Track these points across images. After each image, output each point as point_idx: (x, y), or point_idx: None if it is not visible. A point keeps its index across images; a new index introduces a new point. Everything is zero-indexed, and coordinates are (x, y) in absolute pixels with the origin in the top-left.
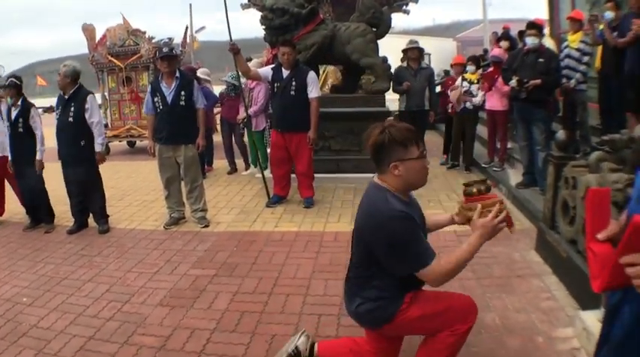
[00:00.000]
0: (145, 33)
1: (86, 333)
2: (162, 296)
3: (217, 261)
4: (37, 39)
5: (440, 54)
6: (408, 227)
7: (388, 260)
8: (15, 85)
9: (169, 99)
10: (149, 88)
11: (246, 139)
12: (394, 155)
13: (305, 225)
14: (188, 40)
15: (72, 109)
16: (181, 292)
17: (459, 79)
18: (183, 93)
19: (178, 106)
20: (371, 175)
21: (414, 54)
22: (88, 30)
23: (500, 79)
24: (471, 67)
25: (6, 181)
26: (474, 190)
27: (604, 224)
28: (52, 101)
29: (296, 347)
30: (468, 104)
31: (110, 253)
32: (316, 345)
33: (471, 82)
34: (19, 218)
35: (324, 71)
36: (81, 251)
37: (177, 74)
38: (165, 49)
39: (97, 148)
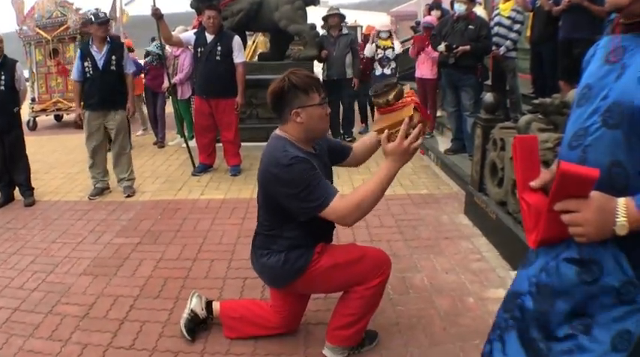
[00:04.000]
0: (72, 4)
1: (12, 305)
2: (86, 265)
3: (141, 229)
4: None
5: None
6: (304, 170)
7: (291, 206)
8: None
9: (100, 64)
10: (79, 53)
11: (170, 108)
12: (295, 102)
13: (231, 193)
14: (118, 14)
15: (2, 78)
16: (105, 261)
17: (373, 47)
18: (114, 57)
19: (109, 71)
20: None
21: (333, 21)
22: (17, 3)
23: (430, 46)
24: (384, 34)
25: None
26: (381, 101)
27: (535, 173)
28: None
29: (191, 310)
30: (385, 70)
31: (35, 225)
32: (216, 303)
33: (385, 49)
34: None
35: (253, 42)
36: (7, 225)
37: (108, 39)
38: (101, 15)
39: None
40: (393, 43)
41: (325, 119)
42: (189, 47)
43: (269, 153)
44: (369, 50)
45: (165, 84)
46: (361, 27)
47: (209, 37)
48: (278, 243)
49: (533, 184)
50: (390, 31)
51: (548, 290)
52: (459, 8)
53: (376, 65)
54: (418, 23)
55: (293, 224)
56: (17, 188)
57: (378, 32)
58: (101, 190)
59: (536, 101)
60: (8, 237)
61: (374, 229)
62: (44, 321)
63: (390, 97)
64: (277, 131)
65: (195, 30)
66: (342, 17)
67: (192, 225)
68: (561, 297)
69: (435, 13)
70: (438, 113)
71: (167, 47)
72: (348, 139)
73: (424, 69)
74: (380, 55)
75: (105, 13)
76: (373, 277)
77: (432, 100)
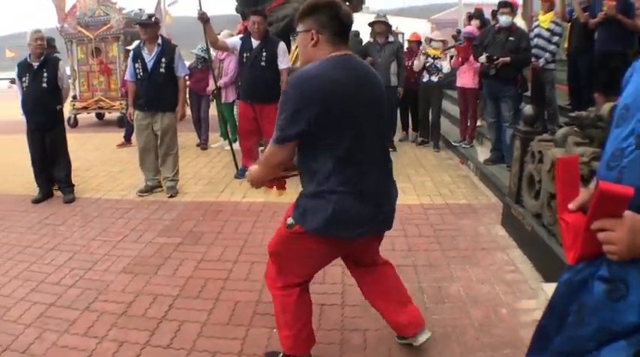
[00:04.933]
0: (115, 4)
1: (47, 300)
2: (126, 263)
3: (183, 230)
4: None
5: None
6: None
7: None
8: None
9: (150, 65)
10: (131, 54)
11: (214, 111)
12: None
13: (272, 196)
14: (162, 14)
15: (45, 75)
16: (145, 260)
17: (421, 54)
18: (164, 60)
19: (158, 73)
20: None
21: (379, 28)
22: (57, 0)
23: (471, 56)
24: (435, 43)
25: None
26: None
27: (574, 193)
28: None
29: None
30: (433, 77)
31: (75, 222)
32: None
33: (434, 58)
34: None
35: (296, 47)
36: (45, 220)
37: (159, 41)
38: (144, 17)
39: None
40: (442, 54)
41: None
42: (235, 52)
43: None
44: (417, 66)
45: (210, 87)
46: (402, 34)
47: (254, 43)
48: None
49: (571, 206)
50: (442, 41)
51: (582, 306)
52: (505, 20)
53: (424, 72)
54: (459, 32)
55: None
56: (57, 185)
57: (430, 40)
58: (151, 188)
59: (572, 114)
60: (46, 232)
61: (412, 238)
62: (80, 317)
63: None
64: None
65: (240, 35)
66: (388, 25)
67: (234, 227)
68: (591, 313)
69: (475, 23)
70: (478, 123)
71: (212, 51)
72: (390, 146)
73: (466, 79)
74: (429, 63)
75: (150, 15)
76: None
77: (472, 109)
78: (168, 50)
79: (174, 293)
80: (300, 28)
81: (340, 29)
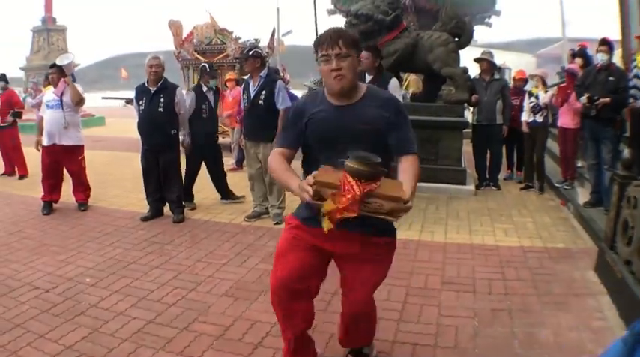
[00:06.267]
0: (231, 33)
1: (146, 316)
2: (228, 287)
3: None
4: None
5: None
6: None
7: None
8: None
9: (252, 96)
10: (243, 85)
11: None
12: None
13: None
14: (275, 44)
15: (161, 100)
16: (247, 285)
17: (526, 95)
18: (264, 92)
19: (257, 105)
20: (446, 185)
21: (484, 65)
22: (175, 26)
23: (573, 95)
24: (534, 80)
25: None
26: (362, 168)
27: None
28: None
29: None
30: (537, 117)
31: (182, 242)
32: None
33: (537, 97)
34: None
35: (405, 79)
36: (152, 238)
37: (263, 73)
38: (246, 50)
39: (182, 138)
40: (542, 89)
41: (327, 74)
42: None
43: None
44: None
45: None
46: (509, 69)
47: (367, 78)
48: None
49: None
50: (540, 76)
51: None
52: (602, 58)
53: (529, 113)
54: (563, 68)
55: None
56: (168, 205)
57: (526, 81)
58: (258, 214)
59: None
60: (152, 250)
61: (510, 281)
62: (177, 336)
63: (366, 172)
64: None
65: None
66: (493, 64)
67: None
68: None
69: (578, 61)
70: (579, 164)
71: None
72: (494, 186)
73: (566, 118)
74: (532, 103)
75: (252, 49)
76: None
77: (571, 150)
78: (268, 82)
79: (273, 320)
80: None
81: None
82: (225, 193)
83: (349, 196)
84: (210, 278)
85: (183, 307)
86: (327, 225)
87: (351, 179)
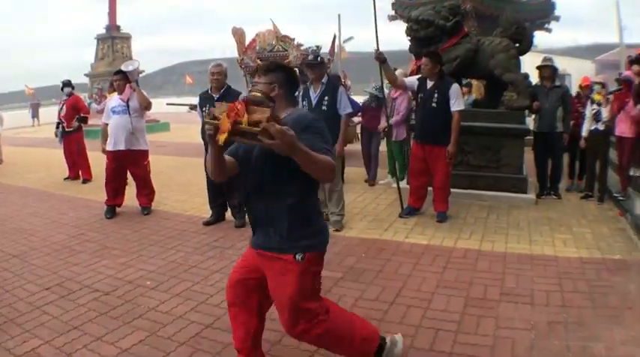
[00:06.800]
0: (293, 40)
1: (205, 321)
2: None
3: (345, 265)
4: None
5: (579, 75)
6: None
7: None
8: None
9: (314, 103)
10: (300, 92)
11: (383, 148)
12: None
13: (435, 239)
14: (336, 50)
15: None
16: None
17: (588, 103)
18: (326, 98)
19: (320, 111)
20: (507, 193)
21: (545, 72)
22: (238, 33)
23: (630, 103)
24: (597, 86)
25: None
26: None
27: None
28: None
29: None
30: (599, 126)
31: (243, 246)
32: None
33: (599, 104)
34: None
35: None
36: (214, 242)
37: (324, 80)
38: (310, 57)
39: None
40: (604, 99)
41: None
42: (410, 91)
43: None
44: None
45: (382, 124)
46: (570, 76)
47: (429, 84)
48: None
49: None
50: (601, 84)
51: None
52: None
53: (591, 121)
54: (621, 75)
55: None
56: (230, 210)
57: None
58: None
59: None
60: (213, 255)
61: (567, 293)
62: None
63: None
64: None
65: (418, 76)
66: (555, 69)
67: (394, 267)
68: None
69: (635, 68)
70: (633, 172)
71: (385, 89)
72: (554, 194)
73: (623, 127)
74: (595, 110)
75: (317, 54)
76: None
77: (626, 159)
78: (330, 88)
79: None
80: None
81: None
82: None
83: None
84: None
85: None
86: (221, 138)
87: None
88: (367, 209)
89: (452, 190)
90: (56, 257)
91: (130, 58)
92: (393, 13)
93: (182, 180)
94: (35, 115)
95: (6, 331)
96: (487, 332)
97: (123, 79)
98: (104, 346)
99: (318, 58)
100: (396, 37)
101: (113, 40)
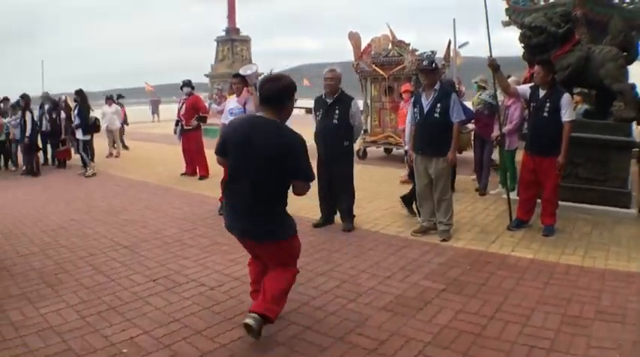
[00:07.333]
0: (408, 45)
1: (305, 322)
2: (388, 301)
3: (449, 276)
4: (304, 43)
5: None
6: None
7: None
8: None
9: (425, 110)
10: (412, 99)
11: (495, 156)
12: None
13: (541, 254)
14: (451, 55)
15: (336, 112)
16: (407, 301)
17: None
18: (439, 105)
19: (432, 118)
20: (611, 208)
21: None
22: (354, 38)
23: None
24: None
25: None
26: None
27: None
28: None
29: None
30: None
31: (349, 251)
32: None
33: None
34: None
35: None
36: (321, 245)
37: (437, 86)
38: (425, 63)
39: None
40: None
41: None
42: (522, 100)
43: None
44: None
45: (495, 133)
46: None
47: (541, 92)
48: None
49: None
50: None
51: None
52: None
53: None
54: None
55: None
56: (339, 213)
57: None
58: (426, 229)
59: None
60: (320, 257)
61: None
62: (332, 346)
63: None
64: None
65: (530, 84)
66: None
67: (498, 282)
68: None
69: None
70: None
71: (499, 97)
72: None
73: None
74: None
75: (432, 60)
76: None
77: None
78: (444, 96)
79: (427, 340)
80: None
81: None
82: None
83: None
84: (372, 290)
85: (342, 317)
86: None
87: None
88: (476, 220)
89: (560, 202)
90: (166, 250)
91: (250, 61)
92: (507, 18)
93: None
94: (155, 111)
95: (106, 318)
96: (577, 352)
97: (241, 83)
98: (203, 340)
99: (433, 64)
100: (511, 43)
101: (233, 42)
